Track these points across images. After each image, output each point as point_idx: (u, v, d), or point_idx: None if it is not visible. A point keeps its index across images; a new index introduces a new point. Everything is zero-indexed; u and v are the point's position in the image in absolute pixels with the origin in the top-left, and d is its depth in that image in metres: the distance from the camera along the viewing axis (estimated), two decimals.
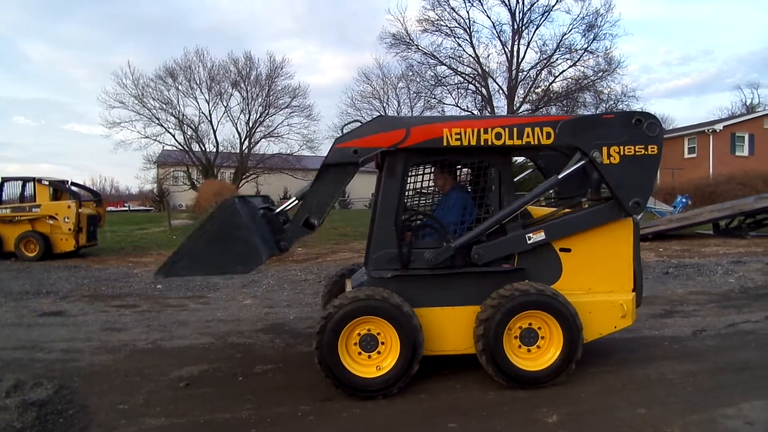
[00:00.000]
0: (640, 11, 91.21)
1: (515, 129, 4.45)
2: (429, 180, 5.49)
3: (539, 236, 4.54)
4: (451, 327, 4.53)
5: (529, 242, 4.54)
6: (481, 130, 4.45)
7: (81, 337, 6.53)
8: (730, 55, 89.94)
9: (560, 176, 4.47)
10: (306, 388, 4.59)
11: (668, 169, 33.59)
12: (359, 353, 4.35)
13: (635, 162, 4.43)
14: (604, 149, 4.42)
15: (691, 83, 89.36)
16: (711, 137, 33.95)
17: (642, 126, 4.44)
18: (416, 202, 5.58)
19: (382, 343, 4.34)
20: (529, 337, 4.42)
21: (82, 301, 8.79)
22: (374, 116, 4.63)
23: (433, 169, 5.35)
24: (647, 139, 4.44)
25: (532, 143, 4.45)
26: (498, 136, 4.45)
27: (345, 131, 4.54)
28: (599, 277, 4.70)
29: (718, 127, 34.21)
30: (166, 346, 6.06)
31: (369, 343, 4.35)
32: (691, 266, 10.31)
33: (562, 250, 4.66)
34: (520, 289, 4.33)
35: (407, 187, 4.84)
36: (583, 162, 4.46)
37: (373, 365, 4.33)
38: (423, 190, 5.57)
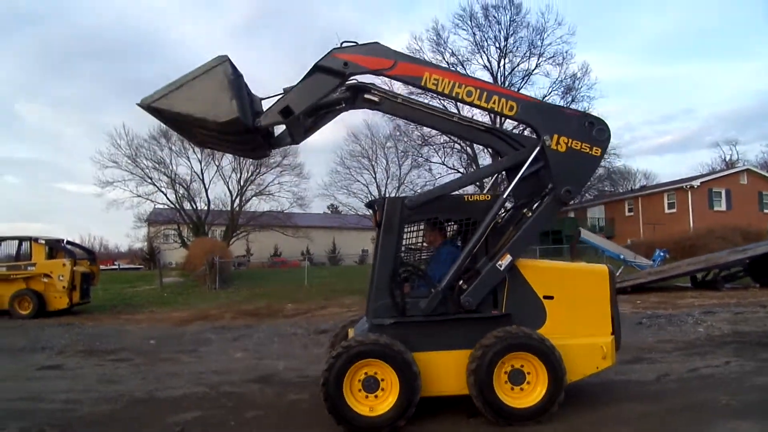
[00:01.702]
0: (622, 71, 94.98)
1: (485, 93, 5.08)
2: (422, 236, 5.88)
3: (507, 260, 4.95)
4: (446, 370, 4.92)
5: (501, 269, 4.94)
6: (456, 83, 5.08)
7: (79, 388, 6.83)
8: (709, 114, 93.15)
9: (504, 195, 5.05)
10: (294, 430, 4.96)
11: (650, 224, 34.59)
12: (359, 390, 4.72)
13: (578, 156, 5.02)
14: (555, 136, 5.01)
15: (672, 141, 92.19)
16: (689, 193, 35.15)
17: (593, 129, 5.06)
18: (413, 256, 5.99)
19: (382, 389, 4.73)
20: (517, 377, 4.82)
21: (77, 356, 9.07)
22: (372, 42, 5.10)
23: (423, 226, 5.71)
24: (594, 140, 5.05)
25: (496, 109, 5.05)
26: (469, 93, 5.05)
27: (344, 45, 4.99)
28: (580, 322, 5.15)
29: (696, 183, 35.51)
30: (160, 396, 6.38)
31: (371, 385, 4.73)
32: (663, 317, 10.78)
33: (545, 297, 5.11)
34: (525, 332, 4.79)
35: (403, 243, 5.27)
36: (536, 152, 4.99)
37: (367, 406, 4.70)
38: (417, 246, 5.97)
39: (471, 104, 5.15)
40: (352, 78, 5.12)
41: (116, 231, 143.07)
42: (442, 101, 24.71)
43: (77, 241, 20.69)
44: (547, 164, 5.05)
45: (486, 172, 6.37)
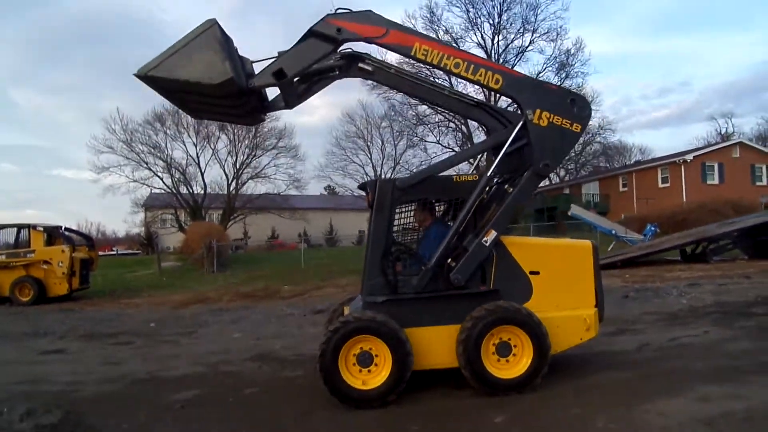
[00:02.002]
0: (619, 45, 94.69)
1: (472, 65, 5.21)
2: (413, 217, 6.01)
3: (492, 235, 5.12)
4: (437, 344, 5.13)
5: (487, 245, 5.12)
6: (445, 55, 5.21)
7: (82, 370, 7.07)
8: (705, 87, 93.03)
9: (488, 174, 5.20)
10: (289, 404, 5.23)
11: (643, 199, 34.86)
12: (354, 364, 4.94)
13: (559, 131, 5.17)
14: (538, 111, 5.14)
15: (670, 114, 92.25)
16: (682, 167, 35.38)
17: (575, 105, 5.22)
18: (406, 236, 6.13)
19: (376, 365, 4.94)
20: (504, 349, 5.05)
21: (79, 340, 9.32)
22: (366, 9, 5.22)
23: (414, 206, 5.83)
24: (575, 117, 5.20)
25: (482, 82, 5.17)
26: (456, 65, 5.19)
27: (338, 12, 5.11)
28: (565, 295, 5.36)
29: (689, 157, 35.71)
30: (162, 376, 6.63)
31: (366, 360, 4.94)
32: (650, 290, 11.08)
33: (531, 273, 5.32)
34: (513, 306, 5.00)
35: (394, 224, 5.42)
36: (519, 126, 5.14)
37: (360, 379, 4.92)
38: (409, 225, 6.10)
39: (458, 76, 5.26)
40: (345, 45, 5.22)
41: (113, 217, 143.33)
42: (435, 77, 24.82)
43: (75, 228, 20.84)
44: (528, 139, 5.18)
45: (473, 152, 6.52)
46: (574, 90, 5.42)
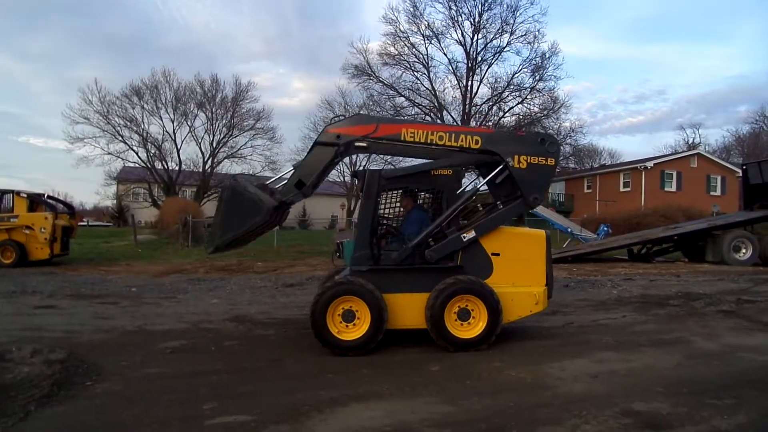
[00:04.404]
0: (599, 49, 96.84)
1: (453, 134, 6.32)
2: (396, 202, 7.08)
3: (471, 234, 6.23)
4: (410, 308, 6.19)
5: (464, 240, 6.23)
6: (429, 132, 6.31)
7: (76, 323, 7.91)
8: (680, 96, 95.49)
9: (479, 186, 6.31)
10: (262, 353, 6.23)
11: (603, 201, 36.55)
12: (338, 315, 5.98)
13: (537, 169, 6.28)
14: (516, 157, 6.24)
15: (645, 121, 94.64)
16: (643, 173, 37.18)
17: (545, 144, 6.32)
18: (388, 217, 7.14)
19: (355, 324, 5.99)
20: (464, 315, 6.13)
21: (67, 299, 10.10)
22: (356, 114, 6.33)
23: (399, 193, 6.91)
24: (547, 153, 6.31)
25: (464, 146, 6.26)
26: (440, 138, 6.29)
27: (334, 122, 6.23)
28: (520, 274, 6.44)
29: (649, 164, 37.54)
30: (150, 329, 7.54)
31: (349, 316, 5.99)
32: (589, 282, 12.34)
33: (493, 254, 6.38)
34: (472, 279, 6.08)
35: (380, 206, 6.50)
36: (500, 167, 6.20)
37: (342, 331, 5.97)
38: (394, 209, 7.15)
39: (443, 146, 6.27)
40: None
41: (82, 188, 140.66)
42: None
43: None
44: (513, 179, 6.25)
45: (449, 162, 7.60)
46: (543, 132, 6.48)
